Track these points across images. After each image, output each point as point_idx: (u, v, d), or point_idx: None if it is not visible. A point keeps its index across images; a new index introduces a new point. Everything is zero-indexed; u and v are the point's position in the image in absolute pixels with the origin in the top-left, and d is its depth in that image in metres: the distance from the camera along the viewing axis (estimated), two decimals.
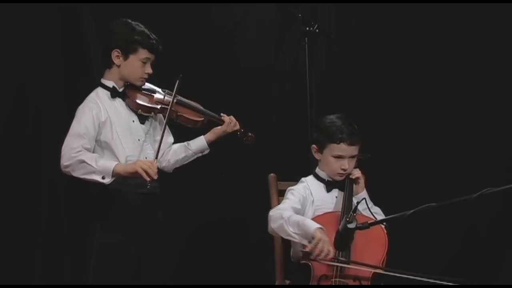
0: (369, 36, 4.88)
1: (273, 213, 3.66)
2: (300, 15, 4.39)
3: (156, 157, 3.66)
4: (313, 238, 3.45)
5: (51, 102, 4.56)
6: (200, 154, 3.92)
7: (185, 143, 3.91)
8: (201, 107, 3.89)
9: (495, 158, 4.72)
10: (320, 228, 3.48)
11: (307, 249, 3.47)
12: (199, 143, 3.89)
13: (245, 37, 4.87)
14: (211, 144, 3.90)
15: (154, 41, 3.76)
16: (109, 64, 3.77)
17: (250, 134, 3.96)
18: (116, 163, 3.61)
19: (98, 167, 3.56)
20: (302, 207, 3.74)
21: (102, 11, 4.49)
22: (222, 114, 3.91)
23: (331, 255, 3.45)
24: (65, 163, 3.59)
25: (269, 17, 4.85)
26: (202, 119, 3.86)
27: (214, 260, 4.74)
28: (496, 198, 3.91)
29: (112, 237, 3.69)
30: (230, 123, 3.88)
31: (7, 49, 4.47)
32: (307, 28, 4.34)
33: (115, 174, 3.57)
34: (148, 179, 3.53)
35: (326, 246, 3.42)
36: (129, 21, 3.78)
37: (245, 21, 4.88)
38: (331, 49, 4.87)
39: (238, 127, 3.91)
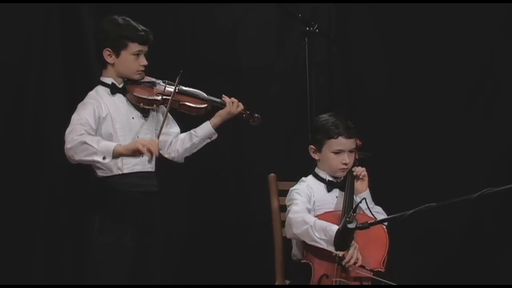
0: (369, 36, 4.88)
1: (293, 216, 3.65)
2: (300, 15, 4.39)
3: (158, 137, 3.65)
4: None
5: (51, 102, 4.56)
6: (208, 140, 3.88)
7: (191, 130, 3.89)
8: (203, 94, 3.87)
9: (495, 158, 4.72)
10: None
11: (341, 254, 3.51)
12: (205, 128, 3.86)
13: (245, 37, 4.87)
14: (217, 128, 3.87)
15: (142, 33, 3.74)
16: (104, 63, 3.77)
17: (256, 115, 3.94)
18: (116, 143, 3.59)
19: (100, 148, 3.52)
20: (311, 206, 3.75)
21: (102, 11, 4.48)
22: (223, 95, 3.90)
23: (360, 262, 3.51)
24: (68, 146, 3.54)
25: (269, 17, 4.85)
26: (206, 105, 3.84)
27: (214, 260, 4.73)
28: (496, 198, 3.92)
29: (110, 236, 3.68)
30: (232, 103, 3.87)
31: (7, 48, 4.47)
32: (307, 28, 4.34)
33: (116, 154, 3.53)
34: (149, 154, 3.51)
35: (357, 253, 3.50)
36: (115, 17, 3.77)
37: (245, 21, 4.88)
38: (331, 49, 4.87)
39: (242, 107, 3.89)
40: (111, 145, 3.55)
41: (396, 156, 4.76)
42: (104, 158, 3.52)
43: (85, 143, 3.52)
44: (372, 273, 3.55)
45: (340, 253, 3.51)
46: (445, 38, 4.76)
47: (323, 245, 3.55)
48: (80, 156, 3.54)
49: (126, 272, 3.70)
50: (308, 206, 3.72)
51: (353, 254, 3.51)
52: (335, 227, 3.51)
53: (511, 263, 4.67)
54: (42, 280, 4.49)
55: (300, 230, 3.61)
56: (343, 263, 3.52)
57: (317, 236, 3.56)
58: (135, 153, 3.55)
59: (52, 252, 4.54)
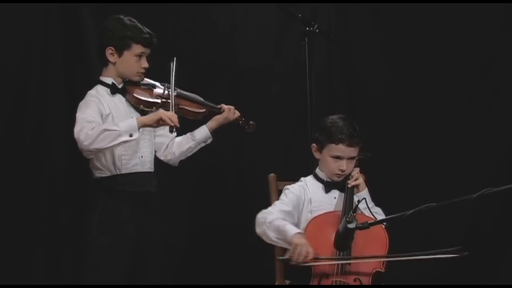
0: (369, 36, 4.88)
1: (259, 216, 3.66)
2: (300, 15, 4.39)
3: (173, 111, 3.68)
4: (290, 243, 3.47)
5: (51, 102, 4.56)
6: (203, 144, 3.92)
7: (188, 134, 3.91)
8: (201, 99, 3.89)
9: (495, 158, 4.72)
10: (298, 233, 3.50)
11: (286, 256, 3.49)
12: (202, 132, 3.90)
13: (245, 37, 4.87)
14: (213, 132, 3.90)
15: (147, 35, 3.75)
16: (105, 62, 3.77)
17: (251, 122, 3.98)
18: (135, 118, 3.62)
19: (122, 128, 3.54)
20: (295, 208, 3.73)
21: (102, 11, 4.48)
22: (222, 104, 3.92)
23: (311, 255, 3.46)
24: (87, 142, 3.52)
25: (269, 17, 4.85)
26: (204, 110, 3.87)
27: (214, 260, 4.73)
28: (496, 198, 3.92)
29: (109, 237, 3.68)
30: (230, 110, 3.89)
31: (7, 49, 4.47)
32: (307, 28, 4.34)
33: (140, 125, 3.58)
34: (172, 124, 3.57)
35: (304, 249, 3.44)
36: (121, 17, 3.78)
37: (245, 21, 4.88)
38: (331, 49, 4.87)
39: (238, 114, 3.92)
40: (132, 121, 3.59)
41: (396, 156, 4.76)
42: (131, 135, 3.55)
43: (105, 130, 3.53)
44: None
45: (287, 255, 3.48)
46: (445, 38, 4.76)
47: (280, 244, 3.57)
48: (104, 144, 3.53)
49: (125, 272, 3.70)
50: (288, 208, 3.70)
51: (301, 252, 3.44)
52: (288, 227, 3.54)
53: (511, 263, 4.67)
54: (42, 280, 4.49)
55: (260, 229, 3.63)
56: (292, 263, 3.46)
57: (273, 236, 3.57)
58: (159, 122, 3.61)
59: (52, 252, 4.54)
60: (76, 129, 3.58)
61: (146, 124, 3.63)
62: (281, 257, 3.56)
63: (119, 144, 3.57)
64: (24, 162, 4.49)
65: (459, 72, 4.76)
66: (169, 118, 3.59)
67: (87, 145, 3.54)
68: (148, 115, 3.67)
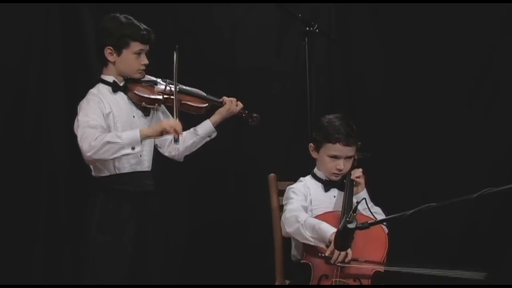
0: (369, 36, 4.88)
1: (288, 215, 3.67)
2: (300, 15, 4.39)
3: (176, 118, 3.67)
4: (330, 242, 3.46)
5: (51, 102, 4.56)
6: (208, 138, 3.90)
7: (192, 129, 3.90)
8: (203, 93, 3.89)
9: (495, 159, 4.71)
10: None
11: (326, 254, 3.50)
12: (206, 126, 3.88)
13: (245, 37, 4.88)
14: (217, 126, 3.89)
15: (144, 32, 3.75)
16: (104, 61, 3.77)
17: (255, 114, 3.96)
18: (138, 130, 3.61)
19: (124, 141, 3.55)
20: (307, 204, 3.75)
21: (102, 11, 4.47)
22: (223, 97, 3.91)
23: (350, 257, 3.47)
24: (89, 153, 3.53)
25: (269, 17, 4.85)
26: (206, 105, 3.86)
27: (214, 260, 4.74)
28: (496, 198, 3.92)
29: (108, 236, 3.68)
30: (232, 102, 3.88)
31: (7, 49, 4.47)
32: (307, 28, 4.34)
33: (143, 138, 3.59)
34: (176, 134, 3.57)
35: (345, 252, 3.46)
36: (117, 15, 3.77)
37: (245, 21, 4.89)
38: (331, 49, 4.87)
39: (241, 106, 3.91)
40: (135, 133, 3.58)
41: (396, 156, 4.76)
42: (133, 148, 3.57)
43: (108, 142, 3.53)
44: (382, 266, 3.55)
45: (327, 253, 3.50)
46: (445, 38, 4.76)
47: (314, 242, 3.57)
48: (107, 156, 3.55)
49: (124, 271, 3.70)
50: (304, 204, 3.73)
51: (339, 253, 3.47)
52: (324, 225, 3.54)
53: (511, 263, 4.67)
54: (41, 280, 4.49)
55: (292, 228, 3.63)
56: (332, 261, 3.50)
57: (308, 235, 3.57)
58: (162, 133, 3.62)
59: (51, 251, 4.54)
60: (79, 134, 3.59)
61: (150, 136, 3.64)
62: (323, 254, 3.53)
63: (121, 156, 3.59)
64: (24, 162, 4.50)
65: (459, 73, 4.76)
66: (173, 128, 3.58)
67: (90, 155, 3.56)
68: (151, 127, 3.68)
